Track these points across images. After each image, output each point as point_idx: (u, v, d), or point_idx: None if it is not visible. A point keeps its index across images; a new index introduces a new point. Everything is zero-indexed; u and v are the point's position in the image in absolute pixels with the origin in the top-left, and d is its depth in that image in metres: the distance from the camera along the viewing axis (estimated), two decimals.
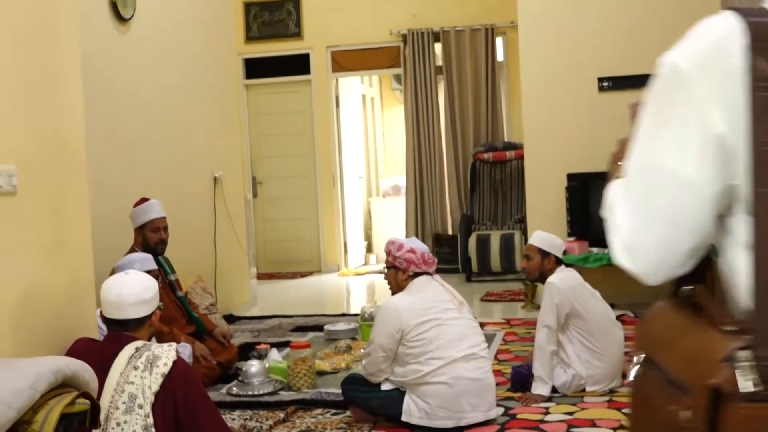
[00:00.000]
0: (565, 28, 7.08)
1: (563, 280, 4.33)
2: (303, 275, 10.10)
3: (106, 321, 2.92)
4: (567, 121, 7.07)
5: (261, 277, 9.56)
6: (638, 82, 6.82)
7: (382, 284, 9.11)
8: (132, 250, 4.95)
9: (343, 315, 7.12)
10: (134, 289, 2.88)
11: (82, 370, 2.33)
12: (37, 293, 2.88)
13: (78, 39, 3.23)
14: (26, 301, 2.83)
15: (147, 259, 4.31)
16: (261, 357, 4.93)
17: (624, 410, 3.97)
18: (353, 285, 9.41)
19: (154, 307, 2.94)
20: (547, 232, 4.56)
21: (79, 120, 3.19)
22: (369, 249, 11.41)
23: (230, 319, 6.86)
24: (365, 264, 10.96)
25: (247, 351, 5.60)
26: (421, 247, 4.05)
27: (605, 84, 6.97)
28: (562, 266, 4.48)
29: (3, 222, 2.74)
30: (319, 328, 6.41)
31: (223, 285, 7.07)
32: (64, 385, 2.26)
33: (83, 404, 2.24)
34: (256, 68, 10.29)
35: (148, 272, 4.02)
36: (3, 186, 2.71)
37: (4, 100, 2.79)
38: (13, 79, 2.85)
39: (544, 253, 4.44)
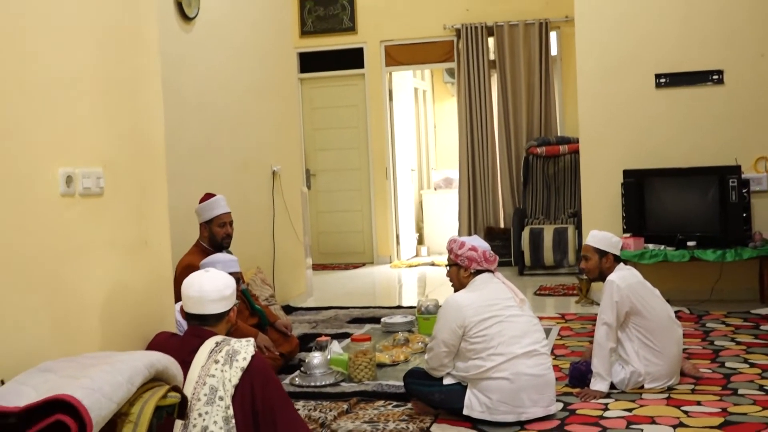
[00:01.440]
0: (622, 23, 7.07)
1: (623, 278, 4.36)
2: (355, 266, 10.23)
3: (187, 316, 3.04)
4: (623, 117, 7.07)
5: (314, 268, 9.68)
6: (695, 78, 6.85)
7: (433, 276, 9.26)
8: (198, 245, 5.09)
9: (398, 307, 7.22)
10: (215, 286, 3.00)
11: (171, 364, 2.46)
12: (122, 290, 3.01)
13: (157, 40, 3.36)
14: (113, 297, 2.96)
15: (231, 262, 4.43)
16: (322, 349, 5.04)
17: (683, 408, 4.01)
18: (405, 277, 9.50)
19: (233, 303, 3.05)
20: (602, 231, 4.57)
21: (159, 120, 3.32)
22: (420, 241, 11.50)
23: (287, 309, 7.00)
24: (416, 256, 11.05)
25: (306, 342, 5.73)
26: (482, 245, 4.11)
27: (662, 80, 6.95)
28: (622, 264, 4.51)
29: (92, 222, 2.87)
30: (375, 320, 6.52)
31: (280, 276, 7.21)
32: (155, 379, 2.38)
33: (174, 397, 2.36)
34: (310, 62, 10.42)
35: (231, 274, 4.14)
36: (91, 188, 2.84)
37: (91, 104, 2.92)
38: (98, 83, 2.97)
39: (602, 253, 4.47)
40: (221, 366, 2.82)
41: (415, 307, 6.52)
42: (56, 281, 2.68)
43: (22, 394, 2.13)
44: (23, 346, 2.51)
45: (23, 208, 2.56)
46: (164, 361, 2.43)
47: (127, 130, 3.12)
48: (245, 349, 2.85)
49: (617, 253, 4.49)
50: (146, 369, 2.31)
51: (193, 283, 3.01)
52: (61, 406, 2.05)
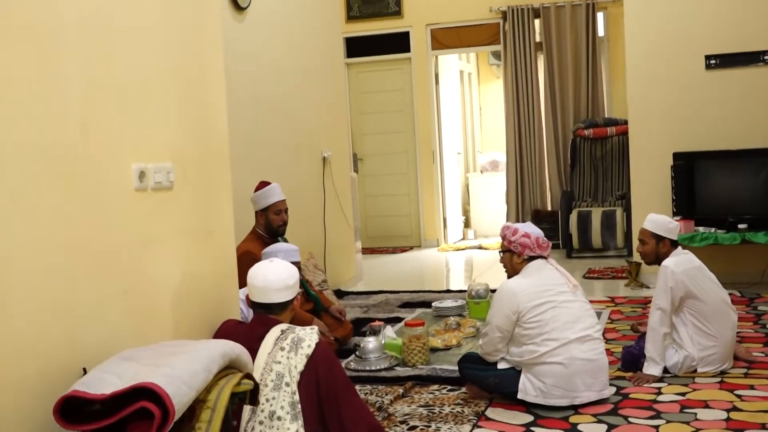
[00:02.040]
0: (672, 4, 7.02)
1: (678, 264, 4.38)
2: (403, 250, 10.33)
3: (253, 304, 3.15)
4: (673, 99, 7.04)
5: (363, 252, 9.79)
6: (746, 59, 6.80)
7: (480, 260, 9.32)
8: (254, 232, 5.21)
9: (447, 291, 7.29)
10: (279, 276, 3.10)
11: (243, 353, 2.57)
12: (190, 279, 3.13)
13: (221, 34, 3.46)
14: (183, 286, 3.08)
15: (292, 251, 4.52)
16: (376, 333, 5.13)
17: (736, 392, 4.04)
18: (452, 260, 9.57)
19: (296, 292, 3.16)
20: (660, 215, 4.59)
21: (223, 114, 3.43)
22: (467, 224, 11.55)
23: (339, 294, 7.11)
24: (463, 239, 11.11)
25: (358, 326, 5.84)
26: (535, 231, 4.16)
27: (713, 62, 6.90)
28: (679, 249, 4.53)
29: (162, 214, 2.99)
30: (425, 304, 6.61)
31: (331, 261, 7.32)
32: (228, 367, 2.49)
33: (248, 384, 2.47)
34: (356, 47, 10.49)
35: (292, 263, 4.26)
36: (162, 182, 2.96)
37: (161, 101, 3.03)
38: (167, 81, 3.08)
39: (659, 238, 4.49)
40: (287, 353, 2.92)
41: (464, 291, 6.59)
42: (130, 272, 2.80)
43: (106, 382, 2.25)
44: (102, 335, 2.63)
45: (100, 203, 2.68)
46: (237, 349, 2.53)
47: (194, 125, 3.23)
48: (310, 336, 2.95)
49: (674, 238, 4.51)
50: (221, 358, 2.42)
51: (258, 273, 3.12)
52: (145, 394, 2.17)
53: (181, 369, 2.26)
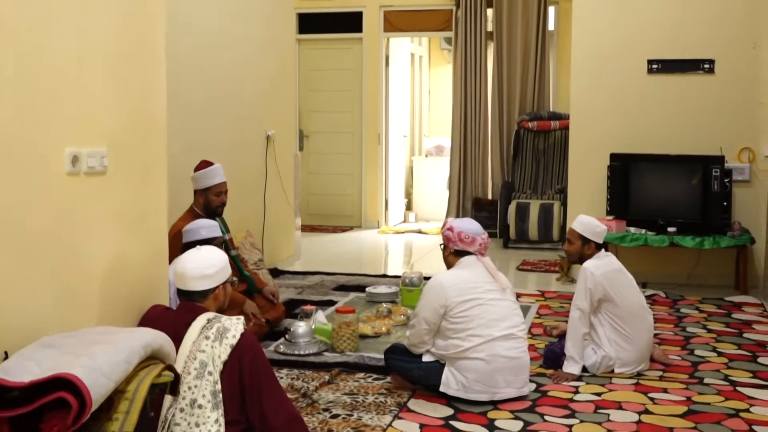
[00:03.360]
0: (619, 6, 7.16)
1: (598, 266, 4.52)
2: (343, 230, 10.39)
3: (177, 291, 3.19)
4: (614, 100, 7.19)
5: (303, 229, 9.80)
6: (687, 66, 6.97)
7: (419, 244, 9.44)
8: (192, 211, 5.20)
9: (383, 276, 7.38)
10: (198, 265, 3.15)
11: (166, 343, 2.61)
12: (120, 263, 3.15)
13: (164, 13, 3.44)
14: (113, 271, 3.10)
15: (213, 227, 4.54)
16: (307, 317, 5.19)
17: (650, 394, 4.20)
18: (392, 243, 9.67)
19: (219, 282, 3.19)
20: (589, 217, 4.70)
21: (162, 97, 3.43)
22: (408, 207, 11.65)
23: (275, 273, 7.15)
24: (404, 222, 11.21)
25: (291, 308, 5.90)
26: (461, 226, 4.20)
27: (654, 66, 7.06)
28: (602, 252, 4.67)
29: (94, 198, 3.00)
30: (360, 288, 6.68)
31: (269, 239, 7.35)
32: (150, 357, 2.53)
33: (168, 376, 2.51)
34: (309, 23, 10.46)
35: (214, 239, 4.33)
36: (95, 167, 2.96)
37: (98, 83, 3.02)
38: (104, 60, 3.06)
39: (585, 240, 4.62)
40: (212, 342, 2.97)
41: (399, 277, 6.68)
42: (60, 256, 2.81)
43: (26, 370, 2.27)
44: (27, 318, 2.65)
45: (31, 187, 2.68)
46: (159, 340, 2.57)
47: (132, 109, 3.23)
48: (235, 327, 3.00)
49: (600, 241, 4.64)
50: (143, 349, 2.46)
51: (181, 259, 3.19)
52: (63, 384, 2.20)
53: (102, 360, 2.29)
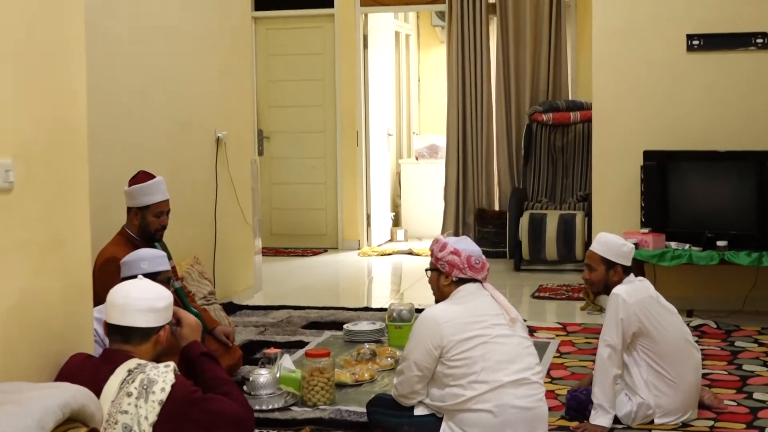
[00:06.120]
0: None
1: (631, 293, 4.51)
2: (315, 252, 10.39)
3: (109, 330, 3.17)
4: (646, 86, 7.22)
5: (265, 253, 9.79)
6: (735, 42, 6.99)
7: (410, 269, 9.45)
8: (123, 233, 5.17)
9: (366, 309, 7.38)
10: (145, 294, 3.14)
11: (90, 402, 2.59)
12: (32, 300, 3.13)
13: (83, 10, 3.43)
14: (20, 309, 3.07)
15: (158, 258, 4.37)
16: (270, 363, 5.18)
17: None
18: (376, 268, 9.67)
19: (164, 321, 3.18)
20: (612, 235, 4.70)
21: (82, 102, 3.41)
22: (396, 223, 11.66)
23: (230, 308, 7.13)
24: (391, 241, 11.22)
25: (251, 352, 5.88)
26: (468, 248, 4.22)
27: (695, 42, 7.09)
28: (632, 275, 4.67)
29: None
30: (336, 325, 6.67)
31: (222, 267, 7.32)
32: (70, 420, 2.52)
33: None
34: None
35: (160, 273, 4.22)
36: None
37: (3, 84, 3.01)
38: (13, 63, 3.05)
39: (610, 264, 4.61)
40: (135, 400, 2.94)
41: (386, 310, 6.67)
42: None
43: None
44: None
45: None
46: (80, 398, 2.56)
47: (44, 116, 3.22)
48: (163, 377, 2.98)
49: (628, 264, 4.64)
50: (60, 409, 2.44)
51: (120, 289, 3.17)
52: None
53: (8, 424, 2.28)
